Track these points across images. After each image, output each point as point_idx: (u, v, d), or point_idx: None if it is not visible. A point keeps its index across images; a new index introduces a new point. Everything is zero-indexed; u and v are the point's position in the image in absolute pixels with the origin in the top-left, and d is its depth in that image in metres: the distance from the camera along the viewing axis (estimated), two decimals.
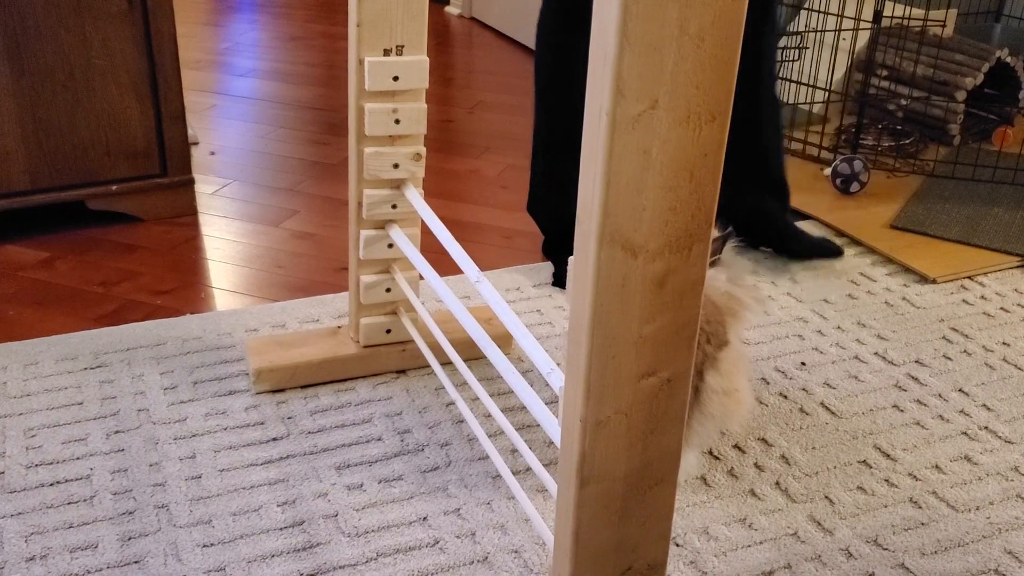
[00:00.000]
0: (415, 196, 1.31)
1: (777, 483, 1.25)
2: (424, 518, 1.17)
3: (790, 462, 1.29)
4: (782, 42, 2.45)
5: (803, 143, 2.33)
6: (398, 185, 1.33)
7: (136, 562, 1.09)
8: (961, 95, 2.32)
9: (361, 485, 1.22)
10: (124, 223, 1.90)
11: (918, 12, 2.41)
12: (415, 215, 1.35)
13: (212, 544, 1.12)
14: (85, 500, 1.18)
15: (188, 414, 1.34)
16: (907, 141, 2.35)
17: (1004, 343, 1.60)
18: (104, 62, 1.78)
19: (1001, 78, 2.41)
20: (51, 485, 1.20)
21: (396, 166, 1.30)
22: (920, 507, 1.23)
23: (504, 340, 1.47)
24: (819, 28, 2.38)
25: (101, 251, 1.80)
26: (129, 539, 1.12)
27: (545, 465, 1.25)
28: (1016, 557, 1.15)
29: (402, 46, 1.25)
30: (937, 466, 1.30)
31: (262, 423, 1.33)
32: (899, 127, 2.39)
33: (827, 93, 2.38)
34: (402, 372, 1.45)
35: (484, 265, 1.79)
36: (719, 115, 0.67)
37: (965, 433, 1.37)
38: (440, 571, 1.10)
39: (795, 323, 1.64)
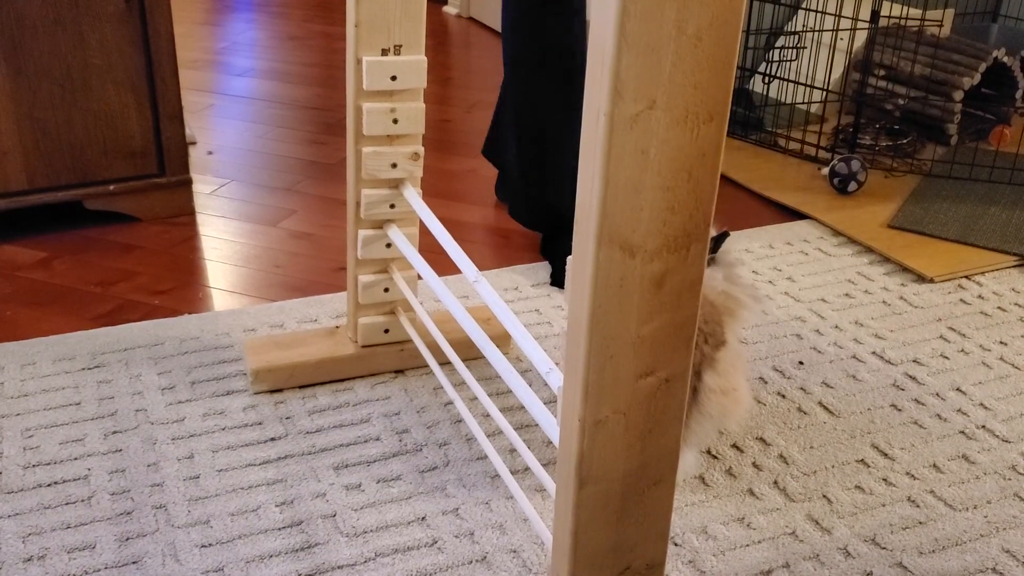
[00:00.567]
0: (413, 196, 1.31)
1: (775, 482, 1.26)
2: (422, 518, 1.17)
3: (788, 461, 1.30)
4: (780, 41, 2.46)
5: (801, 143, 2.33)
6: (396, 185, 1.33)
7: (134, 562, 1.09)
8: (958, 95, 2.32)
9: (359, 485, 1.22)
10: (122, 223, 1.90)
11: (915, 12, 2.41)
12: (413, 215, 1.35)
13: (210, 544, 1.12)
14: (83, 500, 1.18)
15: (186, 414, 1.34)
16: (904, 141, 2.35)
17: (1001, 342, 1.60)
18: (101, 61, 1.78)
19: (998, 78, 2.42)
20: (49, 485, 1.20)
21: (394, 166, 1.30)
22: (918, 506, 1.23)
23: (502, 340, 1.48)
24: (817, 28, 2.38)
25: (98, 251, 1.80)
26: (127, 539, 1.12)
27: (544, 465, 1.25)
28: (1014, 556, 1.15)
29: (400, 46, 1.25)
30: (935, 465, 1.30)
31: (260, 423, 1.33)
32: (896, 127, 2.40)
33: (825, 93, 2.38)
34: (400, 372, 1.45)
35: (482, 265, 1.79)
36: (717, 115, 0.67)
37: (963, 432, 1.37)
38: (439, 571, 1.10)
39: (793, 322, 1.64)
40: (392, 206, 1.33)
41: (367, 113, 1.26)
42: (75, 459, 1.25)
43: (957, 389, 1.47)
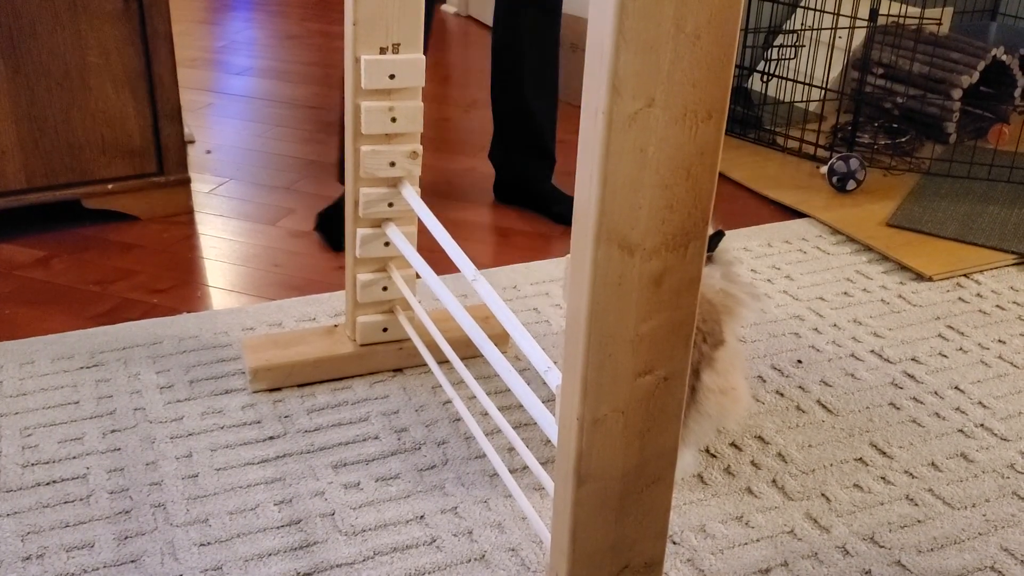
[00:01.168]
0: (412, 194, 1.31)
1: (774, 481, 1.26)
2: (421, 516, 1.17)
3: (787, 460, 1.30)
4: (779, 40, 2.46)
5: (799, 141, 2.33)
6: (395, 183, 1.32)
7: (133, 561, 1.09)
8: (957, 93, 2.32)
9: (358, 484, 1.22)
10: (120, 222, 1.90)
11: (914, 10, 2.41)
12: (412, 213, 1.35)
13: (209, 543, 1.12)
14: (81, 499, 1.18)
15: (184, 413, 1.34)
16: (903, 139, 2.35)
17: (1000, 340, 1.60)
18: (100, 60, 1.77)
19: (997, 76, 2.42)
20: (47, 484, 1.20)
21: (393, 164, 1.30)
22: (916, 504, 1.23)
23: (501, 339, 1.47)
24: (816, 26, 2.38)
25: (97, 250, 1.80)
26: (126, 538, 1.12)
27: (542, 463, 1.25)
28: (1012, 554, 1.16)
29: (398, 44, 1.24)
30: (933, 463, 1.30)
31: (259, 422, 1.33)
32: (895, 125, 2.40)
33: (823, 91, 2.38)
34: (399, 371, 1.45)
35: (480, 263, 1.79)
36: (715, 113, 0.67)
37: (961, 430, 1.37)
38: (437, 569, 1.10)
39: (791, 321, 1.64)
40: (390, 204, 1.33)
41: (365, 112, 1.26)
42: (74, 458, 1.25)
43: (956, 387, 1.47)
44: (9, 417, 1.32)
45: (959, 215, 2.01)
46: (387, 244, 1.36)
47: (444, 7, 3.69)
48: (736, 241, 1.90)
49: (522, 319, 1.60)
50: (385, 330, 1.42)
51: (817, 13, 2.35)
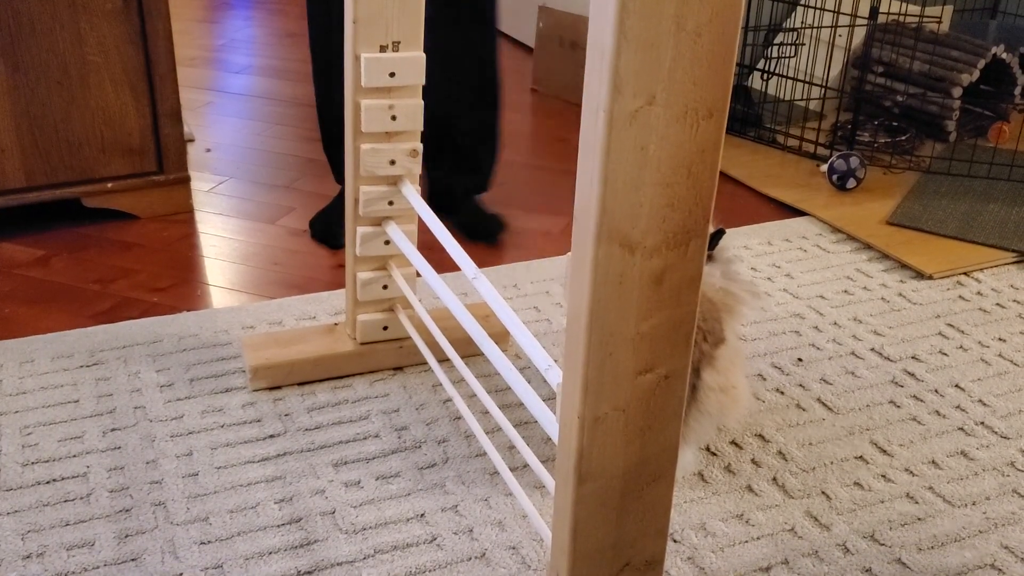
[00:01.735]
0: (412, 192, 1.31)
1: (774, 479, 1.26)
2: (421, 515, 1.17)
3: (787, 458, 1.30)
4: (779, 38, 2.45)
5: (799, 139, 2.33)
6: (395, 182, 1.32)
7: (133, 559, 1.09)
8: (957, 91, 2.32)
9: (358, 482, 1.22)
10: (120, 220, 1.90)
11: (914, 8, 2.41)
12: (412, 211, 1.35)
13: (209, 541, 1.12)
14: (81, 498, 1.18)
15: (185, 411, 1.34)
16: (903, 137, 2.35)
17: (1000, 339, 1.60)
18: (99, 59, 1.77)
19: (997, 74, 2.42)
20: (47, 483, 1.20)
21: (392, 162, 1.30)
22: (917, 502, 1.23)
23: (501, 337, 1.47)
24: (815, 24, 2.38)
25: (97, 249, 1.80)
26: (126, 537, 1.12)
27: (543, 462, 1.25)
28: (1013, 552, 1.16)
29: (398, 42, 1.24)
30: (934, 461, 1.30)
31: (259, 420, 1.33)
32: (895, 123, 2.40)
33: (823, 89, 2.38)
34: (399, 369, 1.45)
35: (480, 262, 1.79)
36: (716, 111, 0.67)
37: (961, 429, 1.37)
38: (438, 568, 1.10)
39: (791, 319, 1.64)
40: (390, 203, 1.33)
41: (365, 110, 1.26)
42: (74, 456, 1.25)
43: (956, 385, 1.47)
44: (9, 416, 1.32)
45: (959, 213, 2.01)
46: (387, 242, 1.36)
47: None
48: (736, 239, 1.90)
49: (522, 318, 1.60)
50: (385, 328, 1.42)
51: (817, 11, 2.35)
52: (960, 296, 1.73)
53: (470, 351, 1.40)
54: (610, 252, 0.70)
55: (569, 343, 0.77)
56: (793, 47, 2.39)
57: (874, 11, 2.23)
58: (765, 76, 2.43)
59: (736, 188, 2.17)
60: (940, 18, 2.37)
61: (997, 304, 1.71)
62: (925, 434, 1.36)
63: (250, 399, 1.37)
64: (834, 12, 2.31)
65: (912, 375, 1.49)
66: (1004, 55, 2.37)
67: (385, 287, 1.39)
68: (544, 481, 1.03)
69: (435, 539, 1.14)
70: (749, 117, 2.44)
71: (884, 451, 1.32)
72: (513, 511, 1.18)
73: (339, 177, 1.91)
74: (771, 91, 2.45)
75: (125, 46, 1.78)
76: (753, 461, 1.29)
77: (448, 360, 1.38)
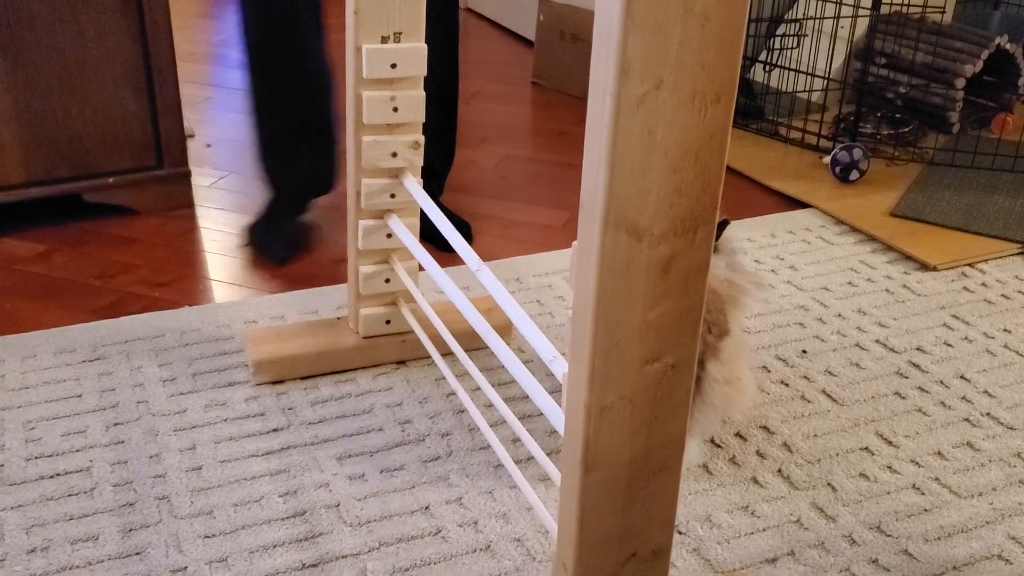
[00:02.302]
0: (414, 185, 1.30)
1: (779, 470, 1.25)
2: (426, 507, 1.17)
3: (792, 450, 1.29)
4: (781, 29, 2.45)
5: (802, 131, 2.33)
6: (396, 174, 1.32)
7: (137, 553, 1.09)
8: (960, 83, 2.31)
9: (362, 475, 1.22)
10: (121, 216, 1.89)
11: None
12: (414, 204, 1.35)
13: (214, 535, 1.12)
14: (85, 492, 1.17)
15: (188, 406, 1.33)
16: (906, 129, 2.34)
17: (1005, 330, 1.60)
18: (99, 54, 1.76)
19: (1000, 65, 2.41)
20: (51, 477, 1.20)
21: (394, 155, 1.29)
22: (923, 493, 1.22)
23: (504, 330, 1.47)
24: (818, 15, 2.37)
25: (98, 244, 1.80)
26: (130, 531, 1.12)
27: (547, 454, 1.25)
28: (1019, 542, 1.15)
29: (400, 33, 1.24)
30: (939, 453, 1.30)
31: (262, 414, 1.32)
32: (898, 115, 2.39)
33: (826, 81, 2.37)
34: (402, 363, 1.44)
35: (482, 256, 1.78)
36: (724, 95, 0.66)
37: (967, 420, 1.37)
38: (443, 560, 1.09)
39: (796, 311, 1.63)
40: (392, 196, 1.32)
41: (367, 101, 1.25)
42: (77, 451, 1.24)
43: (961, 377, 1.46)
44: (12, 411, 1.31)
45: (963, 205, 2.00)
46: (389, 236, 1.35)
47: None
48: (739, 231, 1.89)
49: (525, 311, 1.59)
50: (388, 322, 1.41)
51: (819, 2, 2.34)
52: (964, 287, 1.73)
53: (473, 344, 1.40)
54: (617, 239, 0.69)
55: (575, 332, 0.76)
56: (795, 38, 2.38)
57: (876, 2, 2.22)
58: (767, 68, 2.42)
59: (739, 180, 2.16)
60: (943, 8, 2.36)
61: (1002, 295, 1.71)
62: (931, 425, 1.35)
63: (253, 393, 1.36)
64: (836, 3, 2.30)
65: (917, 366, 1.49)
66: (1007, 46, 2.36)
67: (387, 280, 1.39)
68: (549, 473, 1.02)
69: (440, 531, 1.13)
70: (751, 109, 2.44)
71: (890, 442, 1.31)
72: (517, 503, 1.18)
73: (277, 183, 1.81)
74: (773, 83, 2.44)
75: (125, 41, 1.78)
76: (758, 453, 1.28)
77: (451, 354, 1.38)
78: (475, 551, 1.11)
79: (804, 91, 2.42)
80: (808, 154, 2.28)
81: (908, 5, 2.33)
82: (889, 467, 1.27)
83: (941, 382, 1.45)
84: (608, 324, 0.73)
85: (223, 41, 3.13)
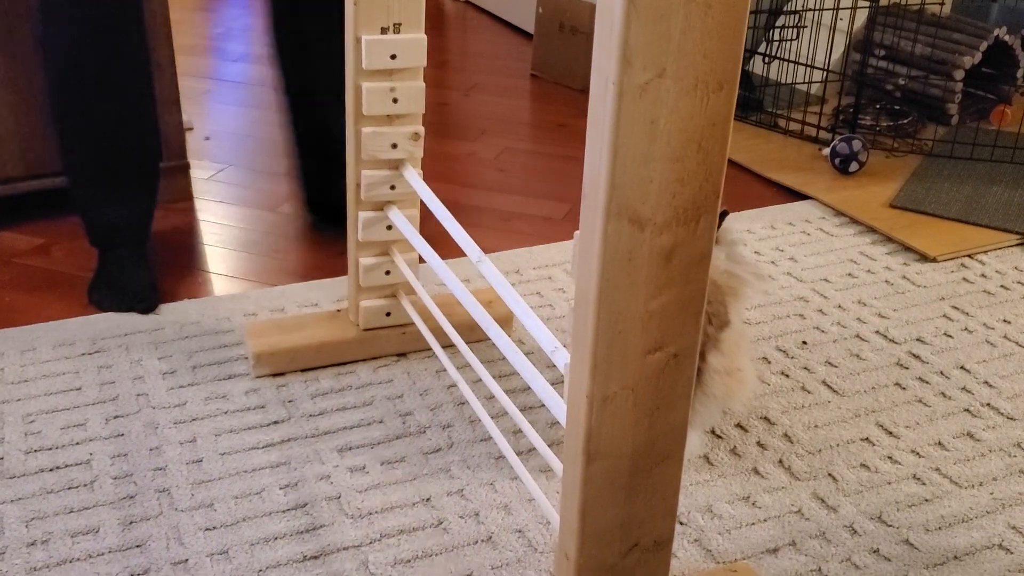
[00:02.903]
0: (414, 177, 1.30)
1: (780, 461, 1.25)
2: (427, 499, 1.17)
3: (793, 440, 1.29)
4: (780, 21, 2.44)
5: (801, 123, 2.32)
6: (396, 166, 1.31)
7: (138, 546, 1.09)
8: (959, 74, 2.31)
9: (363, 467, 1.22)
10: None
11: None
12: (414, 196, 1.34)
13: (214, 527, 1.12)
14: (85, 485, 1.17)
15: (188, 398, 1.33)
16: (905, 121, 2.34)
17: (1005, 320, 1.60)
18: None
19: (999, 57, 2.41)
20: (51, 470, 1.19)
21: (394, 146, 1.29)
22: (924, 484, 1.22)
23: (505, 321, 1.47)
24: (817, 7, 2.37)
25: None
26: (130, 523, 1.12)
27: (548, 446, 1.25)
28: (1020, 532, 1.15)
29: (400, 24, 1.23)
30: (940, 443, 1.30)
31: (263, 406, 1.32)
32: (897, 107, 2.39)
33: (825, 73, 2.37)
34: (402, 355, 1.44)
35: (482, 248, 1.78)
36: (727, 84, 0.66)
37: (967, 410, 1.37)
38: (444, 551, 1.09)
39: (796, 302, 1.63)
40: (392, 187, 1.32)
41: (367, 92, 1.25)
42: (77, 444, 1.24)
43: (961, 367, 1.46)
44: (11, 404, 1.31)
45: (962, 196, 2.00)
46: (389, 227, 1.35)
47: None
48: (739, 223, 1.89)
49: (526, 303, 1.59)
50: (388, 314, 1.41)
51: None
52: (964, 278, 1.73)
53: (474, 336, 1.39)
54: (619, 228, 0.69)
55: (577, 322, 0.76)
56: (794, 30, 2.38)
57: None
58: (766, 60, 2.42)
59: (738, 172, 2.16)
60: (942, 0, 2.36)
61: (1001, 286, 1.71)
62: (931, 416, 1.35)
63: (253, 386, 1.36)
64: None
65: (917, 357, 1.49)
66: (1006, 37, 2.35)
67: (388, 272, 1.38)
68: (551, 464, 1.02)
69: (441, 523, 1.13)
70: (750, 101, 2.43)
71: (890, 433, 1.32)
72: (519, 495, 1.18)
73: (99, 238, 1.58)
74: (772, 75, 2.44)
75: None
76: (759, 444, 1.28)
77: (452, 345, 1.38)
78: (477, 542, 1.11)
79: (803, 83, 2.41)
80: (807, 146, 2.28)
81: None
82: (890, 457, 1.27)
83: (941, 373, 1.45)
84: (610, 314, 0.73)
85: (221, 34, 3.12)
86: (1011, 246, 1.84)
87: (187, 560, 1.07)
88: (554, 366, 1.23)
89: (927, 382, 1.43)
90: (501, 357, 1.42)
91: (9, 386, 1.35)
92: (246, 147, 2.24)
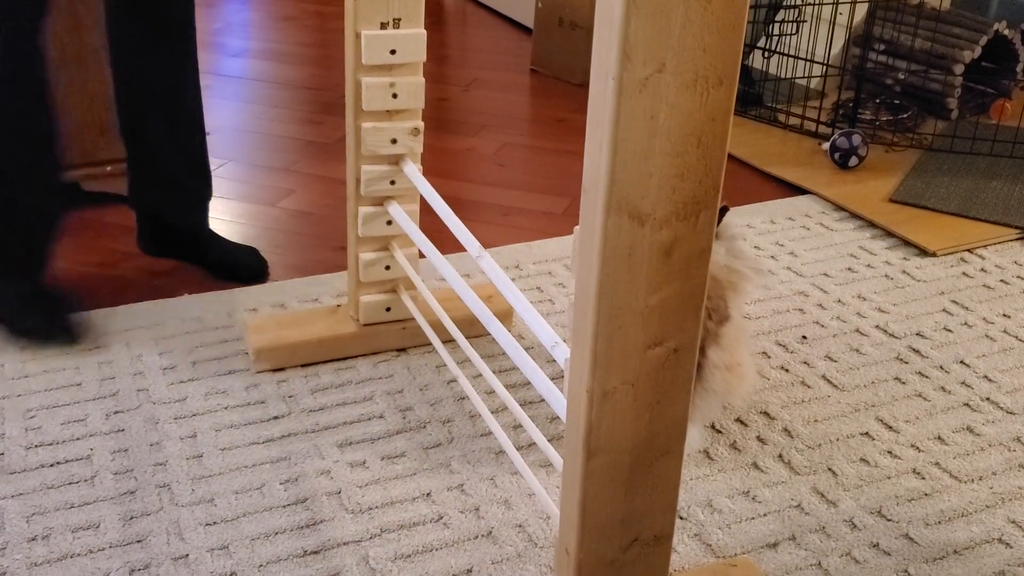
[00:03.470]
0: (414, 172, 1.30)
1: (780, 456, 1.25)
2: (427, 494, 1.17)
3: (792, 435, 1.29)
4: (780, 16, 2.44)
5: (801, 118, 2.32)
6: (396, 161, 1.31)
7: (139, 541, 1.09)
8: (959, 68, 2.30)
9: (364, 462, 1.22)
10: (119, 204, 1.88)
11: None
12: (414, 191, 1.34)
13: (215, 523, 1.12)
14: (86, 480, 1.17)
15: (188, 394, 1.33)
16: (905, 115, 2.34)
17: (1004, 315, 1.60)
18: (97, 42, 1.75)
19: (999, 51, 2.40)
20: (51, 466, 1.20)
21: (394, 141, 1.29)
22: (923, 478, 1.23)
23: (505, 316, 1.47)
24: (816, 1, 2.37)
25: (97, 232, 1.79)
26: (131, 518, 1.12)
27: (548, 440, 1.25)
28: (1019, 526, 1.15)
29: (399, 19, 1.23)
30: (939, 437, 1.30)
31: (263, 402, 1.32)
32: (897, 101, 2.38)
33: (825, 67, 2.37)
34: (402, 350, 1.44)
35: (482, 243, 1.78)
36: (726, 79, 0.66)
37: (967, 404, 1.37)
38: (444, 546, 1.10)
39: (796, 297, 1.63)
40: (392, 182, 1.32)
41: (366, 88, 1.25)
42: (77, 439, 1.24)
43: (961, 362, 1.47)
44: (12, 399, 1.31)
45: (962, 190, 2.00)
46: (389, 223, 1.35)
47: None
48: (739, 218, 1.89)
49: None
50: (388, 310, 1.41)
51: None
52: (964, 273, 1.73)
53: (474, 331, 1.39)
54: (619, 223, 0.69)
55: (578, 317, 0.76)
56: (794, 25, 2.37)
57: None
58: (766, 54, 2.42)
59: (738, 167, 2.16)
60: None
61: (1001, 280, 1.71)
62: (931, 410, 1.35)
63: (253, 381, 1.36)
64: None
65: (917, 352, 1.49)
66: (1006, 32, 2.35)
67: (387, 268, 1.38)
68: (551, 459, 1.02)
69: (441, 518, 1.14)
70: (750, 96, 2.43)
71: (890, 427, 1.32)
72: (519, 490, 1.18)
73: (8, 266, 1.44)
74: (772, 70, 2.44)
75: None
76: (759, 438, 1.29)
77: (452, 341, 1.38)
78: (477, 537, 1.11)
79: (803, 77, 2.41)
80: (807, 140, 2.28)
81: None
82: (889, 452, 1.27)
83: (941, 367, 1.45)
84: (611, 309, 0.73)
85: (221, 29, 3.12)
86: (1011, 240, 1.84)
87: (187, 555, 1.07)
88: (554, 361, 1.23)
89: (927, 376, 1.43)
90: (501, 352, 1.42)
91: (10, 381, 1.35)
92: (246, 143, 2.24)
